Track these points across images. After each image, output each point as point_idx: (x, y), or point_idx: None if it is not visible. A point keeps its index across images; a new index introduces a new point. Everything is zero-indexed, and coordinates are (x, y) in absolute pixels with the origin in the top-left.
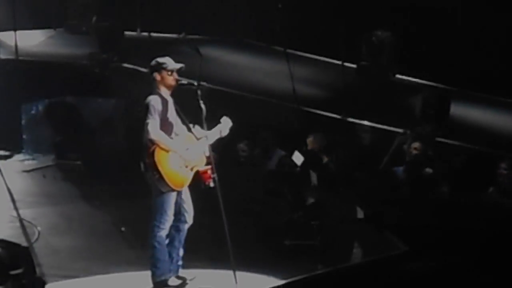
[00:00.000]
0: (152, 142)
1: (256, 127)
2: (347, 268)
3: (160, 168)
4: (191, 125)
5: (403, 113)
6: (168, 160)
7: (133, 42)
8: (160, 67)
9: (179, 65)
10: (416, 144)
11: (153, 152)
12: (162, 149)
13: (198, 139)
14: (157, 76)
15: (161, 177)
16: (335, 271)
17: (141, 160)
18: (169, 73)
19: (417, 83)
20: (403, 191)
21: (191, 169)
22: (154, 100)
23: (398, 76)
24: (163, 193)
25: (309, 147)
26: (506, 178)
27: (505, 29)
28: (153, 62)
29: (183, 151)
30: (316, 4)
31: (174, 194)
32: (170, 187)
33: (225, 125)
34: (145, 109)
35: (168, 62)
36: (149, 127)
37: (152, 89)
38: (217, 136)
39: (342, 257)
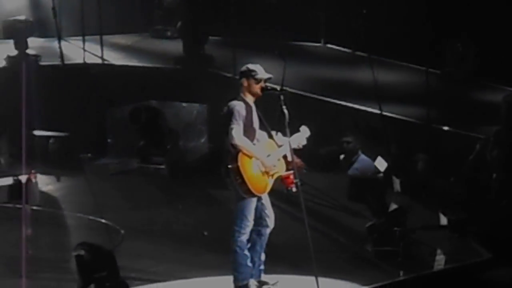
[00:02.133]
0: (235, 148)
1: (338, 132)
2: (430, 275)
3: (243, 173)
4: (273, 132)
5: (486, 119)
6: (251, 166)
7: (217, 46)
8: (249, 74)
9: (267, 75)
10: (499, 151)
11: (236, 157)
12: (245, 154)
13: (279, 146)
14: (244, 82)
15: (243, 182)
16: (417, 278)
17: (223, 165)
18: (257, 81)
19: (501, 88)
20: (486, 197)
21: (272, 176)
22: (238, 106)
23: (481, 82)
24: (244, 198)
25: (392, 153)
26: None
27: None
28: (244, 68)
29: (264, 158)
30: (401, 9)
31: (254, 199)
32: (251, 192)
33: (303, 134)
34: (229, 114)
35: (258, 70)
36: (233, 133)
37: (237, 94)
38: (296, 145)
39: (424, 263)
